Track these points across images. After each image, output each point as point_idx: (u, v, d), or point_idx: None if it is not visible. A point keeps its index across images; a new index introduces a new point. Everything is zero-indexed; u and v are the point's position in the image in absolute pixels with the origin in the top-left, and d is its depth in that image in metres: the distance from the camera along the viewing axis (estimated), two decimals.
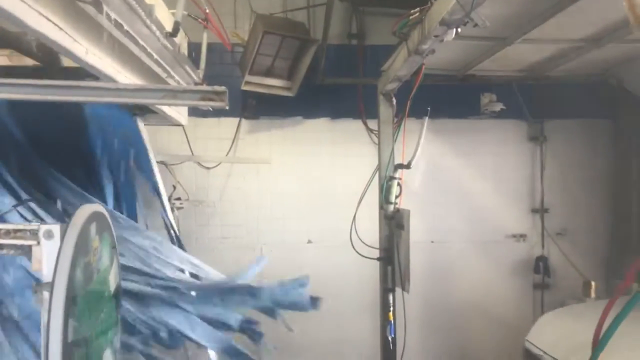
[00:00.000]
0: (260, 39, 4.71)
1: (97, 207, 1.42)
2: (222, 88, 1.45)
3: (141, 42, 2.56)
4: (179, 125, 4.51)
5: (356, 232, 5.42)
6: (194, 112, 4.77)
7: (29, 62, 3.12)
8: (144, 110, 3.54)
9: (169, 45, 2.98)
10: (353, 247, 5.18)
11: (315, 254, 5.51)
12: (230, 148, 5.46)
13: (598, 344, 1.70)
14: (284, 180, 5.55)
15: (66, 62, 3.19)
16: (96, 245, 1.42)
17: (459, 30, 3.11)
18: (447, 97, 5.44)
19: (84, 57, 2.20)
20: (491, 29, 3.71)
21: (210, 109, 4.25)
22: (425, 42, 3.27)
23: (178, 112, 4.10)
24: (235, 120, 5.48)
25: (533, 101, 5.66)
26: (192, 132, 5.23)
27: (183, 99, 1.47)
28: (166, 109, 3.69)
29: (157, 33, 2.66)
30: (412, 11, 3.31)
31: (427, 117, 4.45)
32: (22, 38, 2.90)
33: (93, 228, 1.39)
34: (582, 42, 4.17)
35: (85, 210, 1.36)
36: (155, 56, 2.84)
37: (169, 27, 3.03)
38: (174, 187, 4.87)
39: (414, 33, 3.47)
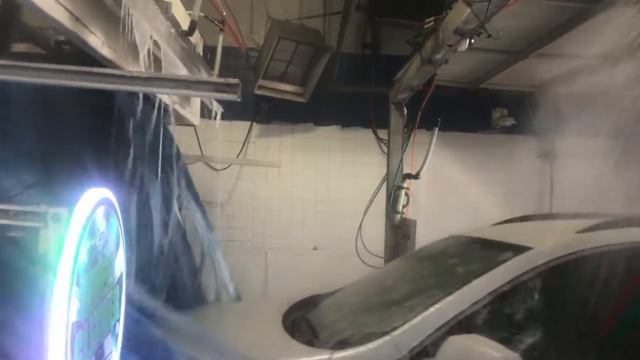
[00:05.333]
0: (275, 44, 4.74)
1: (105, 192, 1.43)
2: (235, 80, 1.46)
3: (156, 38, 2.58)
4: (191, 125, 4.53)
5: (362, 240, 5.42)
6: (207, 114, 4.80)
7: None
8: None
9: (184, 44, 3.02)
10: (358, 255, 5.18)
11: (321, 261, 5.50)
12: (241, 151, 5.48)
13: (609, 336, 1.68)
14: (292, 185, 5.56)
15: None
16: (102, 230, 1.43)
17: (473, 41, 3.13)
18: (458, 110, 5.43)
19: (100, 49, 2.23)
20: (505, 43, 3.74)
21: (220, 111, 4.28)
22: (439, 51, 3.29)
23: (190, 112, 4.13)
24: (247, 123, 5.51)
25: (545, 117, 5.64)
26: (203, 133, 5.25)
27: (196, 90, 1.48)
28: (179, 107, 3.71)
29: (172, 30, 2.69)
30: (427, 20, 3.33)
31: (436, 128, 4.46)
32: (40, 32, 2.95)
33: (100, 212, 1.40)
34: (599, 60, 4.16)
35: (93, 194, 1.37)
36: (170, 53, 2.86)
37: (185, 27, 3.07)
38: None
39: (427, 42, 3.48)
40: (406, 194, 4.64)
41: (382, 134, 5.41)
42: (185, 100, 3.94)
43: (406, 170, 4.69)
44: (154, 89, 1.48)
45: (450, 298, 2.06)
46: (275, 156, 5.55)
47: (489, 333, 1.92)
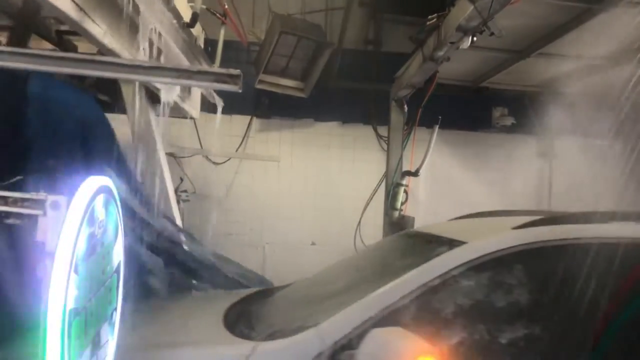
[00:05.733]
0: (276, 39, 4.73)
1: (104, 180, 1.43)
2: (237, 71, 1.46)
3: (158, 29, 2.58)
4: (191, 118, 4.53)
5: (360, 237, 5.42)
6: (207, 107, 4.79)
7: (46, 46, 3.17)
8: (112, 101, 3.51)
9: (185, 36, 3.01)
10: (357, 252, 5.17)
11: (319, 257, 5.48)
12: (240, 145, 5.48)
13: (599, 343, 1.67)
14: (291, 180, 5.56)
15: (82, 49, 3.24)
16: (102, 218, 1.42)
17: (475, 38, 3.13)
18: (458, 109, 5.43)
19: (102, 38, 2.23)
20: (507, 41, 3.73)
21: (221, 104, 4.28)
22: (441, 48, 3.28)
23: (190, 105, 4.13)
24: (247, 118, 5.51)
25: (545, 117, 5.64)
26: (203, 127, 5.24)
27: (197, 80, 1.48)
28: (179, 100, 3.71)
29: (174, 22, 2.69)
30: (430, 17, 3.32)
31: (437, 126, 4.45)
32: (41, 22, 2.95)
33: (100, 200, 1.40)
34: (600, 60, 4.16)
35: (93, 182, 1.37)
36: (172, 44, 2.86)
37: (187, 19, 3.07)
38: (181, 179, 4.88)
39: (430, 39, 3.48)
40: (405, 191, 4.64)
41: (382, 130, 5.41)
42: (186, 92, 3.94)
43: (406, 168, 4.69)
44: (155, 78, 1.48)
45: (378, 292, 2.04)
46: (275, 151, 5.54)
47: (417, 327, 1.90)
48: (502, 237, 2.23)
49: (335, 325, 1.97)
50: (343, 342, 1.92)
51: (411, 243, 2.78)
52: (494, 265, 2.10)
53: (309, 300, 2.55)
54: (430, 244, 2.41)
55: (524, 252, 2.13)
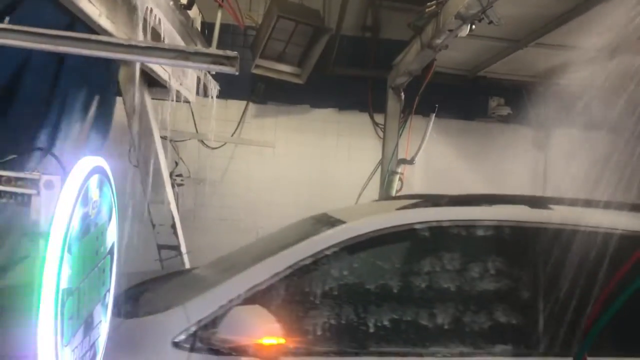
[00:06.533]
0: (273, 23, 4.69)
1: (99, 160, 1.42)
2: (234, 53, 1.45)
3: (155, 10, 2.55)
4: (187, 102, 4.50)
5: None
6: (202, 92, 4.76)
7: None
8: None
9: (182, 18, 2.99)
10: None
11: None
12: (236, 130, 5.45)
13: (591, 329, 1.68)
14: (286, 166, 5.54)
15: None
16: (95, 198, 1.42)
17: (473, 27, 3.12)
18: (455, 97, 5.42)
19: (97, 19, 2.21)
20: (505, 30, 3.73)
21: (216, 88, 4.25)
22: (439, 36, 3.28)
23: (186, 89, 4.10)
24: (243, 103, 5.48)
25: (541, 108, 5.64)
26: (199, 111, 5.21)
27: (194, 61, 1.46)
28: (175, 83, 3.68)
29: (171, 3, 2.66)
30: (429, 4, 3.31)
31: (433, 114, 4.45)
32: None
33: (94, 181, 1.39)
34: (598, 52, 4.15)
35: (87, 162, 1.36)
36: (169, 25, 2.83)
37: (184, 0, 3.04)
38: (176, 163, 4.87)
39: (428, 26, 3.47)
40: (400, 179, 4.65)
41: (379, 118, 5.40)
42: (182, 76, 3.91)
43: (401, 156, 4.69)
44: (152, 59, 1.47)
45: (246, 271, 2.06)
46: (270, 137, 5.52)
47: (283, 306, 1.94)
48: (381, 217, 2.24)
49: (200, 304, 1.99)
50: (207, 321, 1.93)
51: (308, 225, 2.76)
52: (368, 245, 2.11)
53: (196, 281, 2.57)
54: (318, 225, 2.41)
55: (396, 233, 2.14)
